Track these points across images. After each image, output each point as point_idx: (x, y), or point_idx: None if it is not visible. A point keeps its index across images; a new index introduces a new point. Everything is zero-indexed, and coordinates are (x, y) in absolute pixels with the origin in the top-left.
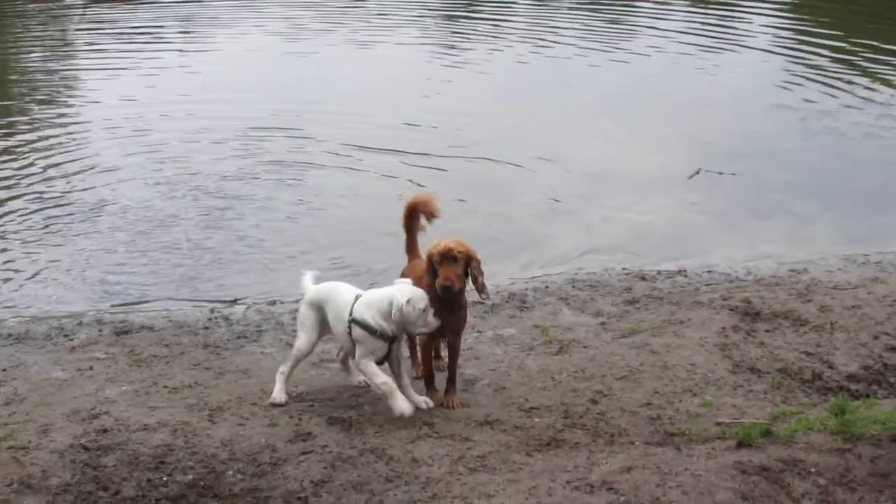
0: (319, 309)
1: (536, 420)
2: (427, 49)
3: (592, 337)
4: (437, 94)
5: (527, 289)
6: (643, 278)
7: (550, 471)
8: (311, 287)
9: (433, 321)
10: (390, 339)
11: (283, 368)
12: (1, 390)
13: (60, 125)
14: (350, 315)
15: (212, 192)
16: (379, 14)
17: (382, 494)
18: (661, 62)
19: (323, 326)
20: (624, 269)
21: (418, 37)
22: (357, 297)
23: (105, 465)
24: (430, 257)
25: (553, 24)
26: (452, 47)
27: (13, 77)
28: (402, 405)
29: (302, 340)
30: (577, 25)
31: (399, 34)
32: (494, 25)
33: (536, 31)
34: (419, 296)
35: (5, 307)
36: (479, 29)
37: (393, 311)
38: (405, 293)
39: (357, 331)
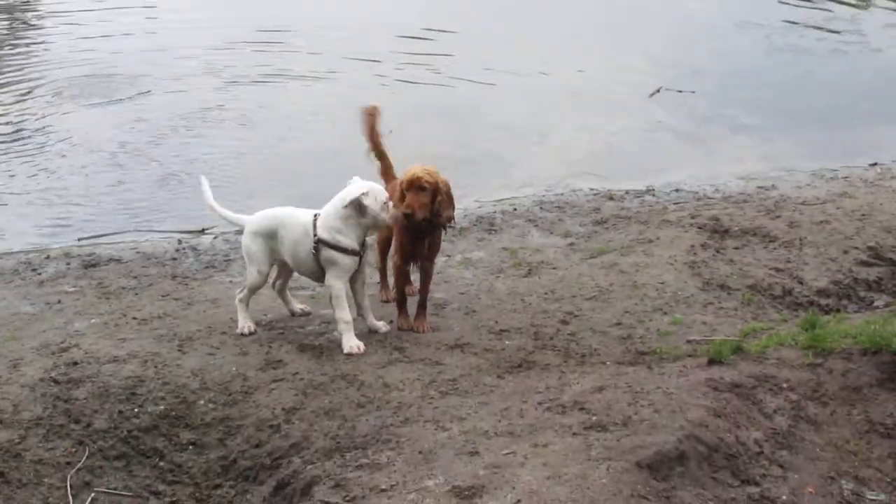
0: (270, 237)
1: (507, 342)
2: None
3: (561, 258)
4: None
5: (495, 212)
6: (611, 198)
7: (522, 392)
8: (250, 217)
9: (395, 212)
10: (359, 254)
11: (240, 296)
12: None
13: (14, 52)
14: (315, 236)
15: (177, 116)
16: None
17: (354, 420)
18: None
19: (272, 254)
20: (592, 189)
21: None
22: (316, 217)
23: (76, 398)
24: (400, 183)
25: None
26: None
27: None
28: (352, 343)
29: (253, 274)
30: None
31: None
32: None
33: None
34: (377, 188)
35: None
36: None
37: (349, 202)
38: (361, 187)
39: (325, 252)
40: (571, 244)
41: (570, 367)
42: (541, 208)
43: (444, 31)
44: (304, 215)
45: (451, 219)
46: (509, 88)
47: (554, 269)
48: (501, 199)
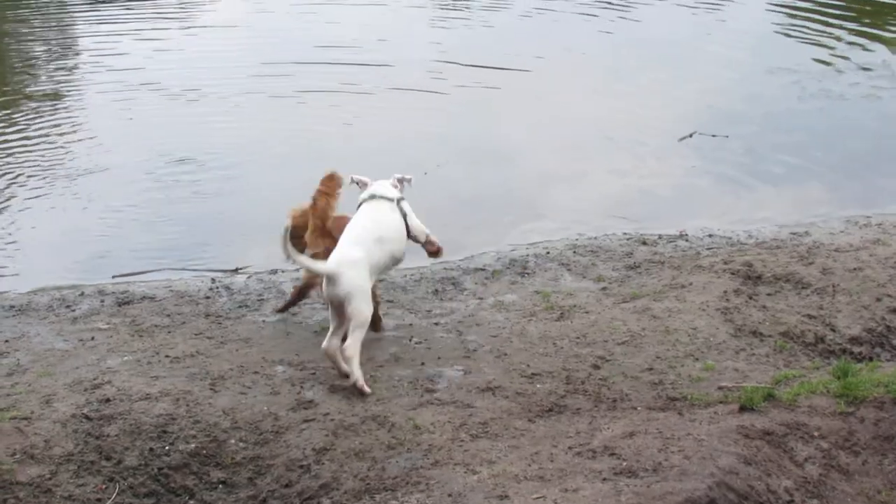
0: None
1: (538, 386)
2: (418, 11)
3: (594, 302)
4: (437, 46)
5: (528, 255)
6: (644, 243)
7: (552, 437)
8: (355, 254)
9: None
10: None
11: (354, 347)
12: (3, 361)
13: (56, 93)
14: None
15: (212, 158)
16: None
17: (384, 461)
18: (658, 18)
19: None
20: (625, 233)
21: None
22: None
23: (107, 435)
24: None
25: None
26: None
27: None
28: None
29: (367, 311)
30: None
31: None
32: None
33: None
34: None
35: (6, 278)
36: None
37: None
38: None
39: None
40: (604, 288)
41: (600, 412)
42: (574, 252)
43: (474, 68)
44: (383, 204)
45: None
46: (542, 130)
47: (586, 313)
48: (534, 243)
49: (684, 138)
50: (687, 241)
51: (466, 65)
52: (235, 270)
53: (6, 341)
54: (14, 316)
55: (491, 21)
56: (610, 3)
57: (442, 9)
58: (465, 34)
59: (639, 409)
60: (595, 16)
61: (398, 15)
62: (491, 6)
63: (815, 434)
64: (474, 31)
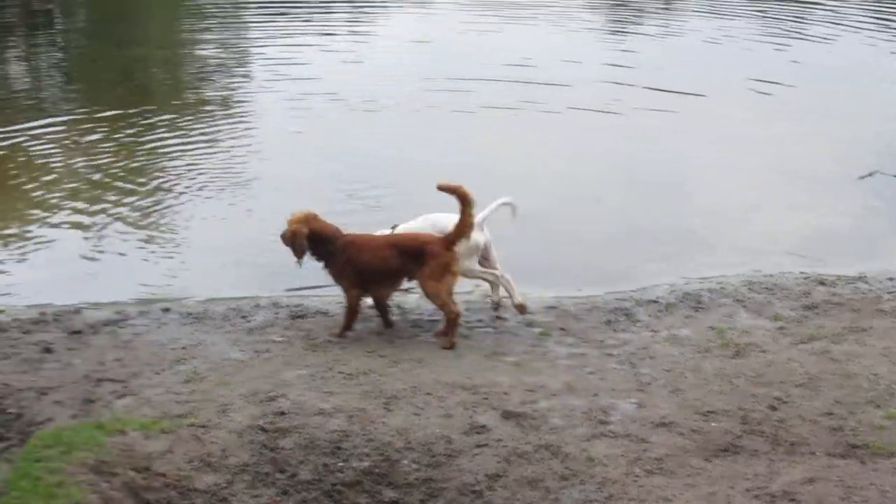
0: None
1: (713, 424)
2: (595, 33)
3: (770, 341)
4: (615, 68)
5: (702, 289)
6: (822, 283)
7: (729, 477)
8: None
9: None
10: None
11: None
12: (181, 368)
13: (230, 101)
14: None
15: (383, 172)
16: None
17: (558, 492)
18: (836, 50)
19: None
20: (802, 272)
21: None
22: None
23: (282, 448)
24: None
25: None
26: (618, 31)
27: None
28: None
29: None
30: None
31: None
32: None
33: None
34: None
35: (181, 285)
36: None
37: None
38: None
39: None
40: (781, 328)
41: (778, 455)
42: (749, 289)
43: (645, 99)
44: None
45: (298, 257)
46: (716, 159)
47: (762, 352)
48: (708, 277)
49: (865, 177)
50: (867, 283)
51: (646, 87)
52: (407, 290)
53: (184, 348)
54: (191, 323)
55: (676, 45)
56: (801, 33)
57: (621, 31)
58: (644, 56)
59: (818, 454)
60: (786, 46)
61: (574, 35)
62: (676, 31)
63: None
64: (654, 52)
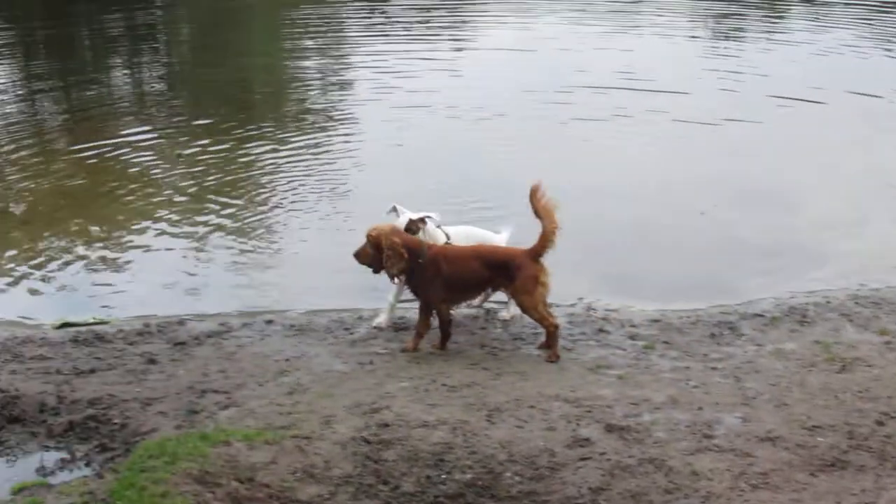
0: None
1: (819, 439)
2: (698, 42)
3: (877, 356)
4: (723, 89)
5: (807, 303)
6: None
7: (835, 493)
8: None
9: None
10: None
11: None
12: (285, 380)
13: (337, 116)
14: None
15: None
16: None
17: None
18: None
19: None
20: None
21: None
22: None
23: (386, 459)
24: None
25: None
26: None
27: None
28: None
29: None
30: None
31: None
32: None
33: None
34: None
35: (287, 298)
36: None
37: None
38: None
39: None
40: (888, 342)
41: (885, 471)
42: (855, 303)
43: (751, 109)
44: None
45: (398, 271)
46: (821, 171)
47: (869, 366)
48: (813, 291)
49: None
50: None
51: (751, 96)
52: (506, 302)
53: (287, 360)
54: (294, 335)
55: (784, 54)
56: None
57: (726, 41)
58: (752, 65)
59: None
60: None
61: (678, 45)
62: (783, 41)
63: None
64: (760, 61)
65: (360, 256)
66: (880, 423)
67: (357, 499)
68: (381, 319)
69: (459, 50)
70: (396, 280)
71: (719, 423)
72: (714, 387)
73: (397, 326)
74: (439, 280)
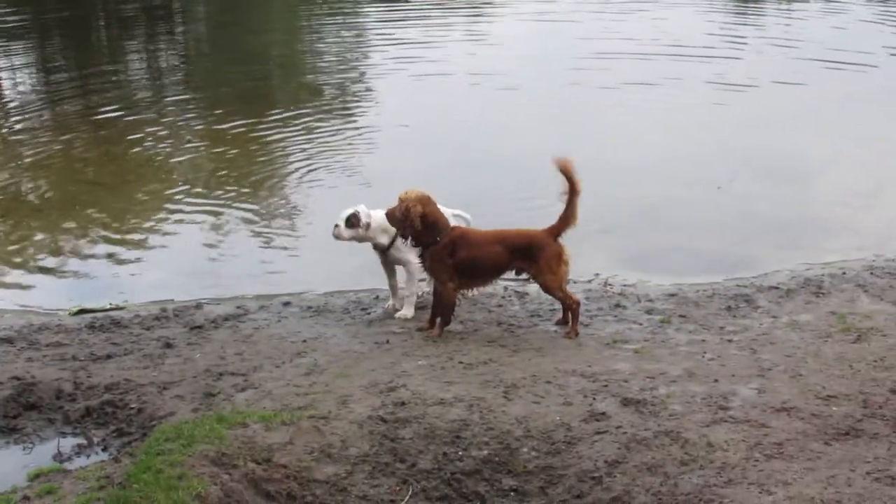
0: None
1: (834, 408)
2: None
3: (892, 325)
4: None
5: (823, 275)
6: None
7: (850, 461)
8: None
9: None
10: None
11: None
12: (302, 361)
13: (357, 98)
14: None
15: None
16: None
17: (677, 477)
18: None
19: None
20: None
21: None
22: None
23: (402, 438)
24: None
25: None
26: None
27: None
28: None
29: None
30: None
31: None
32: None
33: None
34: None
35: (304, 280)
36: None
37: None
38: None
39: None
40: None
41: None
42: (871, 273)
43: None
44: None
45: (403, 235)
46: (840, 144)
47: (884, 336)
48: (829, 263)
49: None
50: None
51: (779, 66)
52: (528, 280)
53: (304, 341)
54: (311, 317)
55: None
56: None
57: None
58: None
59: None
60: None
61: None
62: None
63: None
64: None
65: (390, 216)
66: (895, 392)
67: (374, 477)
68: (406, 312)
69: (485, 26)
70: (408, 245)
71: (735, 395)
72: (730, 359)
73: (416, 305)
74: (453, 261)
